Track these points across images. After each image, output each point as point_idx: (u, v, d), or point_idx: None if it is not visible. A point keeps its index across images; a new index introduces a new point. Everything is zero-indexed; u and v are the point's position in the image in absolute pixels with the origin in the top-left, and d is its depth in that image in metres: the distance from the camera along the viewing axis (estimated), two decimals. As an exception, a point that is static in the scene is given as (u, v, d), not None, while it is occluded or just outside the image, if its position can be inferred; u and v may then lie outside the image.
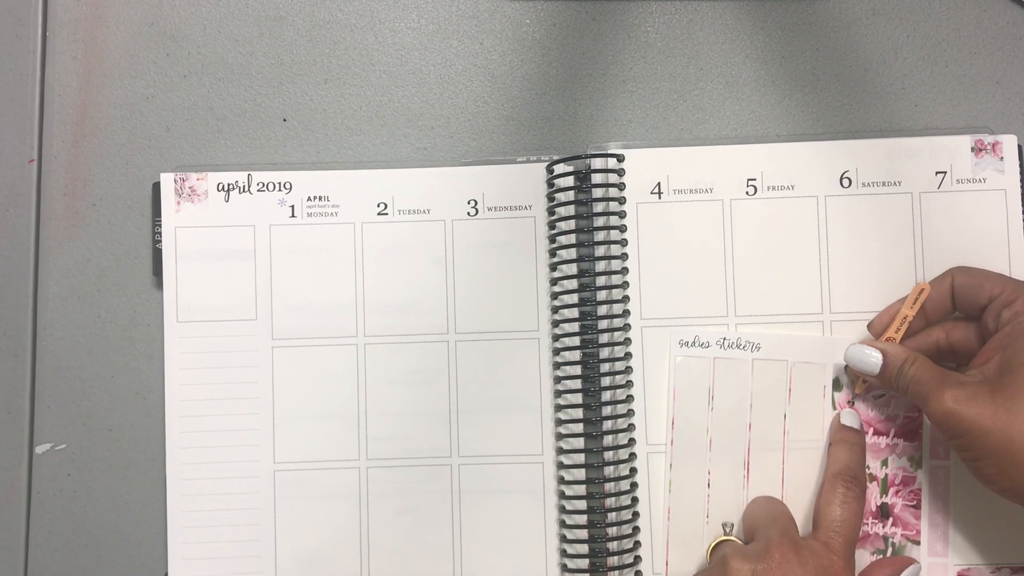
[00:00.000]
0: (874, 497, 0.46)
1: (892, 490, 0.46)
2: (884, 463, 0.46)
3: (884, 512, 0.46)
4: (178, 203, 0.48)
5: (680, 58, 0.49)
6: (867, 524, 0.46)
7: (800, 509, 0.45)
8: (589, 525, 0.45)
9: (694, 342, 0.46)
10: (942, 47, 0.49)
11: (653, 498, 0.46)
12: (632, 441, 0.46)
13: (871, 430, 0.46)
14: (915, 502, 0.45)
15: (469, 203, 0.48)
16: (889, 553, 0.45)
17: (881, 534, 0.45)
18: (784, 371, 0.46)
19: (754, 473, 0.46)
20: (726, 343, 0.46)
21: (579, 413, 0.46)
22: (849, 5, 0.49)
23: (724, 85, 0.49)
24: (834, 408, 0.46)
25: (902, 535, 0.45)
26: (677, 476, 0.46)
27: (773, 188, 0.47)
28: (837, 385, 0.46)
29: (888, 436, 0.46)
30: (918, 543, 0.45)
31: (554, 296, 0.46)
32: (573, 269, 0.46)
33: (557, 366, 0.46)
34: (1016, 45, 0.49)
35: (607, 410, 0.45)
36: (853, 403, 0.46)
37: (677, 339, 0.46)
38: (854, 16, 0.49)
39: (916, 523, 0.45)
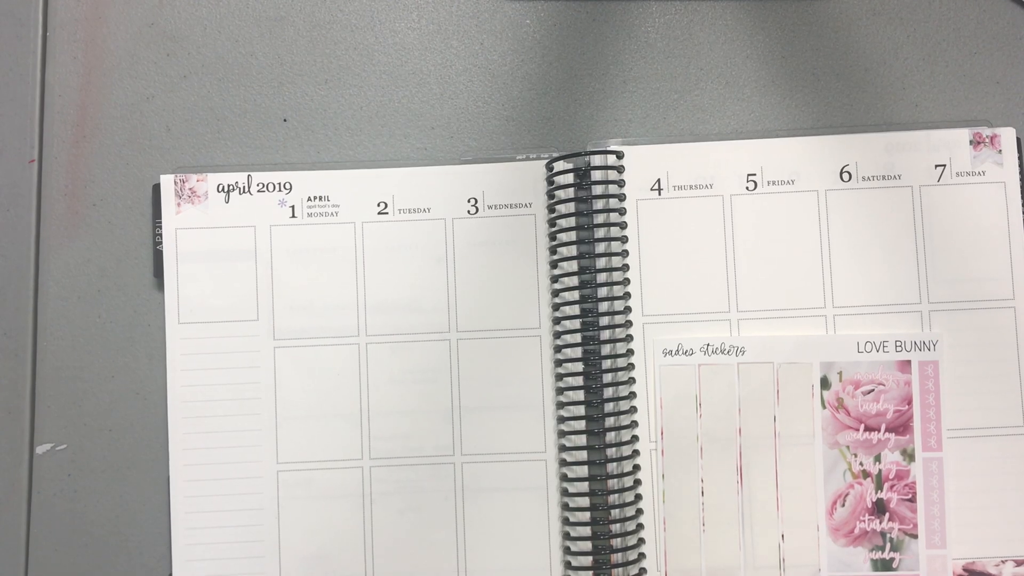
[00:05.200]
0: (869, 493, 0.49)
1: (887, 485, 0.48)
2: (877, 459, 0.49)
3: (880, 507, 0.48)
4: (178, 205, 0.51)
5: (680, 58, 0.52)
6: (864, 520, 0.48)
7: (796, 508, 0.48)
8: (592, 522, 0.48)
9: (677, 350, 0.49)
10: (942, 47, 0.52)
11: (656, 495, 0.49)
12: (635, 438, 0.49)
13: (862, 426, 0.49)
14: (911, 496, 0.48)
15: (469, 201, 0.51)
16: (887, 548, 0.49)
17: (878, 530, 0.48)
18: (770, 373, 0.49)
19: (747, 477, 0.49)
20: (709, 349, 0.49)
21: (581, 410, 0.49)
22: (849, 5, 0.52)
23: (724, 85, 0.52)
24: (823, 406, 0.49)
25: (899, 529, 0.48)
26: (670, 486, 0.49)
27: (773, 183, 0.50)
28: (825, 383, 0.49)
29: (879, 431, 0.49)
30: (916, 537, 0.48)
31: (555, 293, 0.49)
32: (574, 266, 0.49)
33: (559, 363, 0.49)
34: (1016, 45, 0.51)
35: (609, 407, 0.48)
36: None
37: (660, 348, 0.49)
38: (854, 16, 0.52)
39: (913, 516, 0.48)
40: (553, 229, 0.50)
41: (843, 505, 0.49)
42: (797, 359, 0.49)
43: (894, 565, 0.48)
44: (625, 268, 0.49)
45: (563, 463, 0.49)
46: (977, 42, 0.52)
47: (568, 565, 0.48)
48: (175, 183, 0.51)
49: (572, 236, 0.49)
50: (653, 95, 0.52)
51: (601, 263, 0.49)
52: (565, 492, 0.49)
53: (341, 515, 0.49)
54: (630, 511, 0.48)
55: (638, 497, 0.49)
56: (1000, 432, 0.49)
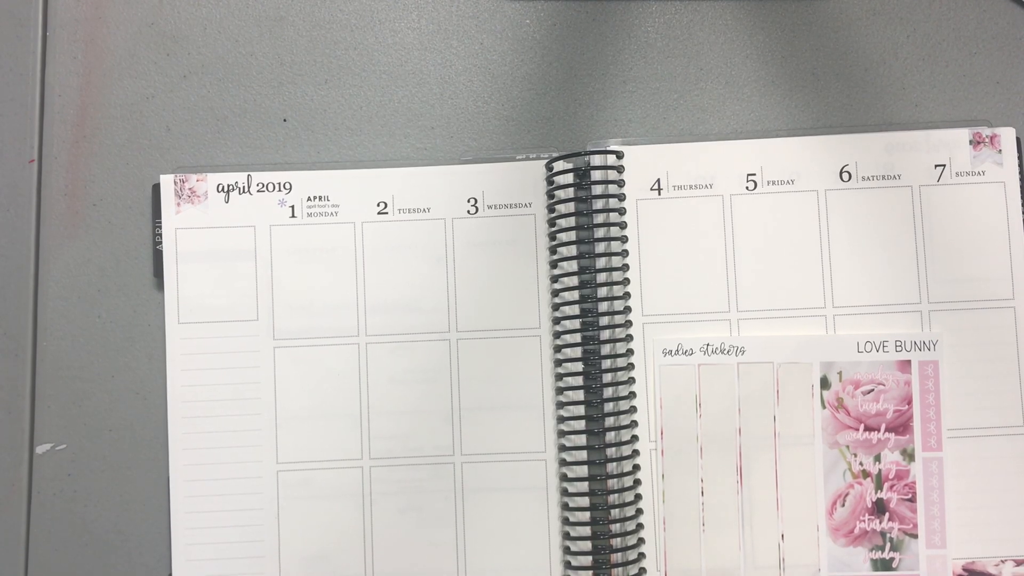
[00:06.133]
0: (869, 493, 0.49)
1: (887, 485, 0.48)
2: (877, 458, 0.49)
3: (880, 507, 0.48)
4: (178, 204, 0.51)
5: (680, 58, 0.52)
6: (863, 520, 0.48)
7: (796, 508, 0.48)
8: (592, 522, 0.48)
9: (677, 350, 0.49)
10: (942, 47, 0.52)
11: (656, 495, 0.49)
12: (635, 438, 0.49)
13: (862, 426, 0.49)
14: (911, 495, 0.48)
15: (469, 201, 0.51)
16: (887, 548, 0.49)
17: (878, 530, 0.48)
18: (770, 373, 0.49)
19: (748, 477, 0.49)
20: (709, 349, 0.49)
21: (581, 410, 0.49)
22: (849, 5, 0.52)
23: (724, 85, 0.52)
24: (823, 406, 0.49)
25: (899, 529, 0.48)
26: (670, 486, 0.49)
27: (773, 183, 0.50)
28: (825, 383, 0.49)
29: (879, 431, 0.49)
30: (916, 536, 0.48)
31: (555, 293, 0.49)
32: (574, 266, 0.49)
33: (559, 363, 0.49)
34: (1016, 45, 0.51)
35: (609, 407, 0.48)
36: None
37: (660, 348, 0.49)
38: (854, 16, 0.52)
39: (913, 516, 0.48)
40: (553, 229, 0.50)
41: (843, 505, 0.49)
42: (797, 359, 0.49)
43: (894, 565, 0.48)
44: (625, 268, 0.49)
45: (563, 463, 0.49)
46: (977, 42, 0.52)
47: (568, 565, 0.48)
48: (175, 183, 0.51)
49: (572, 236, 0.49)
50: (653, 95, 0.52)
51: (601, 263, 0.49)
52: (565, 492, 0.49)
53: (341, 515, 0.49)
54: (630, 511, 0.48)
55: (638, 497, 0.49)
56: (1000, 432, 0.49)
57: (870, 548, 0.49)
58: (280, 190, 0.51)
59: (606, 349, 0.49)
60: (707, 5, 0.52)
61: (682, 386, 0.49)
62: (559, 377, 0.49)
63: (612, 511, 0.48)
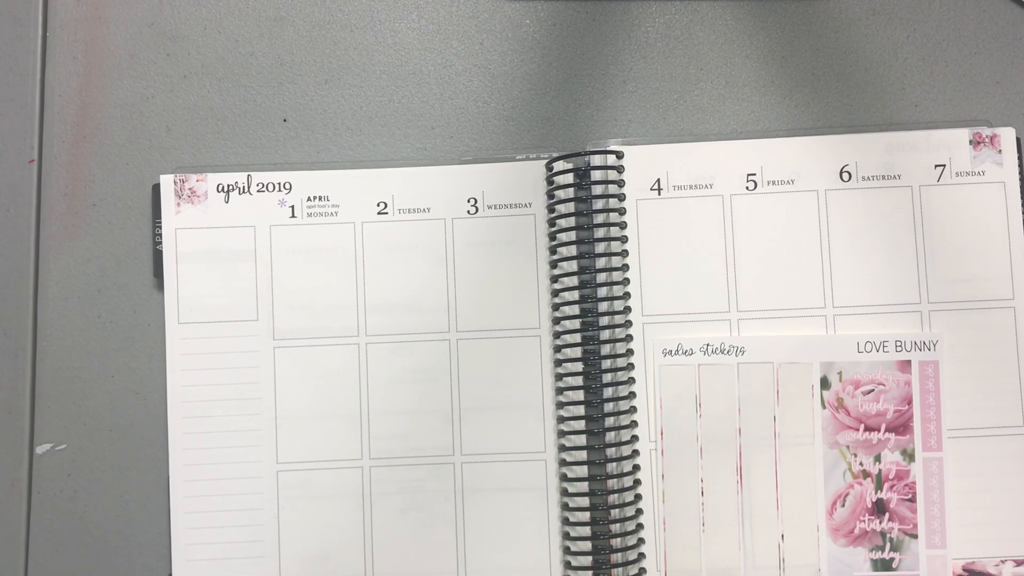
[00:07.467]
0: (869, 493, 0.49)
1: (887, 485, 0.48)
2: (877, 459, 0.49)
3: (880, 507, 0.48)
4: (178, 205, 0.51)
5: (680, 58, 0.52)
6: (863, 520, 0.49)
7: (796, 508, 0.49)
8: (592, 522, 0.48)
9: (677, 350, 0.49)
10: (942, 47, 0.52)
11: (656, 495, 0.49)
12: (635, 438, 0.49)
13: (862, 426, 0.49)
14: (911, 496, 0.48)
15: (469, 201, 0.51)
16: (887, 549, 0.49)
17: (878, 530, 0.48)
18: (770, 373, 0.49)
19: (748, 477, 0.49)
20: (709, 349, 0.49)
21: (581, 410, 0.49)
22: (849, 5, 0.52)
23: (724, 85, 0.52)
24: (823, 406, 0.49)
25: (899, 529, 0.48)
26: (670, 486, 0.49)
27: (773, 183, 0.50)
28: (825, 383, 0.49)
29: (880, 431, 0.49)
30: (916, 537, 0.48)
31: (555, 293, 0.49)
32: (573, 266, 0.49)
33: (559, 363, 0.49)
34: (1016, 45, 0.51)
35: (609, 407, 0.48)
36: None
37: (660, 348, 0.49)
38: (854, 16, 0.52)
39: (913, 517, 0.48)
40: (553, 229, 0.50)
41: (843, 505, 0.49)
42: (797, 359, 0.49)
43: (894, 565, 0.48)
44: (625, 268, 0.49)
45: (563, 463, 0.49)
46: (977, 42, 0.52)
47: (568, 565, 0.48)
48: (175, 183, 0.51)
49: (572, 236, 0.49)
50: (653, 95, 0.52)
51: (601, 263, 0.49)
52: (565, 492, 0.49)
53: (341, 515, 0.49)
54: (630, 511, 0.48)
55: (638, 497, 0.49)
56: (1000, 432, 0.49)
57: (870, 548, 0.49)
58: (280, 190, 0.51)
59: (606, 349, 0.49)
60: (707, 5, 0.52)
61: (682, 386, 0.49)
62: (559, 377, 0.49)
63: (612, 511, 0.48)
